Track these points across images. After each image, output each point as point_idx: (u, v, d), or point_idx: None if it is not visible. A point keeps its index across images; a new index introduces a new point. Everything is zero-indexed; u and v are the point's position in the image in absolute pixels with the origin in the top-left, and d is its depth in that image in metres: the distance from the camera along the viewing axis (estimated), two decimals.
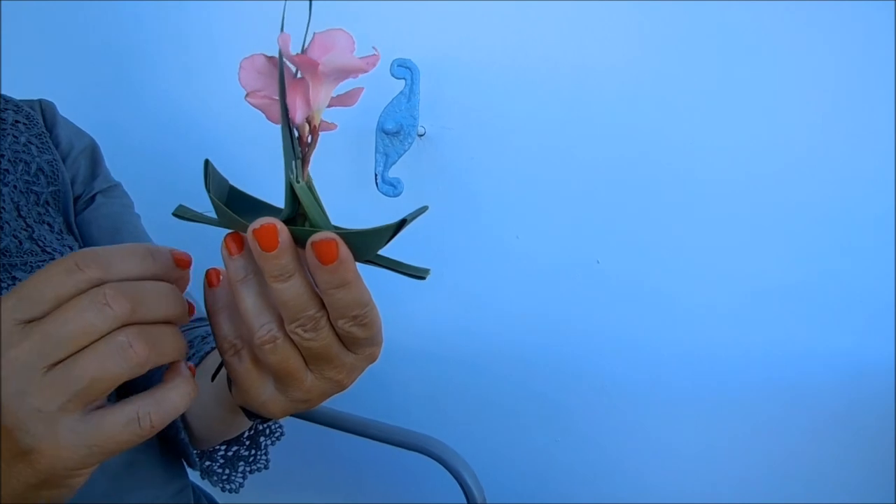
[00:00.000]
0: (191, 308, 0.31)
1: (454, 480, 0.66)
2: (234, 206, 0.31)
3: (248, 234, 0.27)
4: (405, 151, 0.75)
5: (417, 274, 0.32)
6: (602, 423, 0.83)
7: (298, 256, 0.28)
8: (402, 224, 0.29)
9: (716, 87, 0.68)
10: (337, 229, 0.29)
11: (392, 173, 0.76)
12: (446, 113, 0.77)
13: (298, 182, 0.29)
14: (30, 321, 0.25)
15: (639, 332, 0.77)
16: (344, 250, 0.27)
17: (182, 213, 0.32)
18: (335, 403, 0.76)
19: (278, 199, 0.31)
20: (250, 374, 0.32)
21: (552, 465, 0.87)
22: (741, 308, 0.73)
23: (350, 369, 0.32)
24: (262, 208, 0.31)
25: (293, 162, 0.29)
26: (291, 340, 0.30)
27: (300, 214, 0.30)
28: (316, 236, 0.27)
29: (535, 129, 0.75)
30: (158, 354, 0.27)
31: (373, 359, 0.33)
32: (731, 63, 0.67)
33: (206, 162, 0.30)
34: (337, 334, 0.31)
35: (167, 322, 0.28)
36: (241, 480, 0.55)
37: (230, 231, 0.30)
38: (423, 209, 0.31)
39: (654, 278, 0.75)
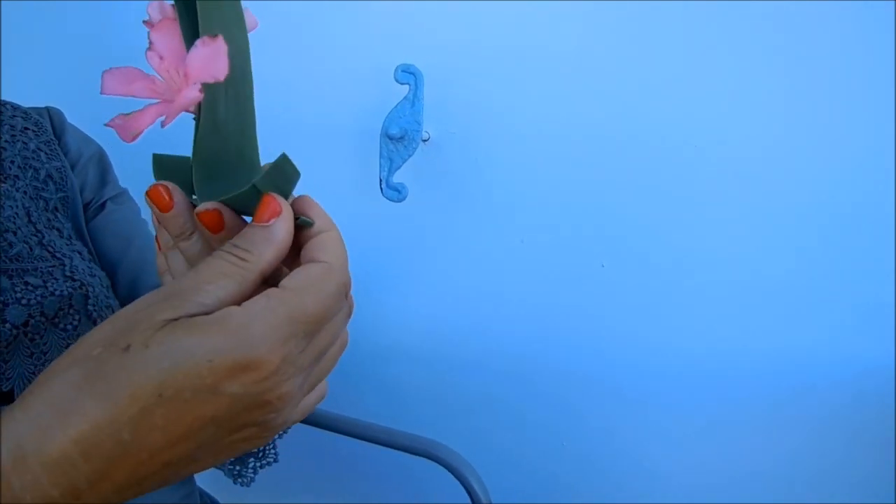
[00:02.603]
0: None
1: (459, 484, 0.66)
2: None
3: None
4: (409, 156, 0.75)
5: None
6: (609, 425, 0.83)
7: None
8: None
9: (720, 93, 0.68)
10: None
11: (396, 178, 0.76)
12: (450, 118, 0.77)
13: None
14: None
15: (643, 334, 0.78)
16: None
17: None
18: (340, 407, 0.77)
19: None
20: None
21: (558, 469, 0.87)
22: (744, 309, 0.73)
23: None
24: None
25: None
26: None
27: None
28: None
29: (539, 133, 0.75)
30: None
31: None
32: (735, 71, 0.67)
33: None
34: None
35: None
36: (251, 475, 0.56)
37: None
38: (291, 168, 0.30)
39: (659, 281, 0.75)
